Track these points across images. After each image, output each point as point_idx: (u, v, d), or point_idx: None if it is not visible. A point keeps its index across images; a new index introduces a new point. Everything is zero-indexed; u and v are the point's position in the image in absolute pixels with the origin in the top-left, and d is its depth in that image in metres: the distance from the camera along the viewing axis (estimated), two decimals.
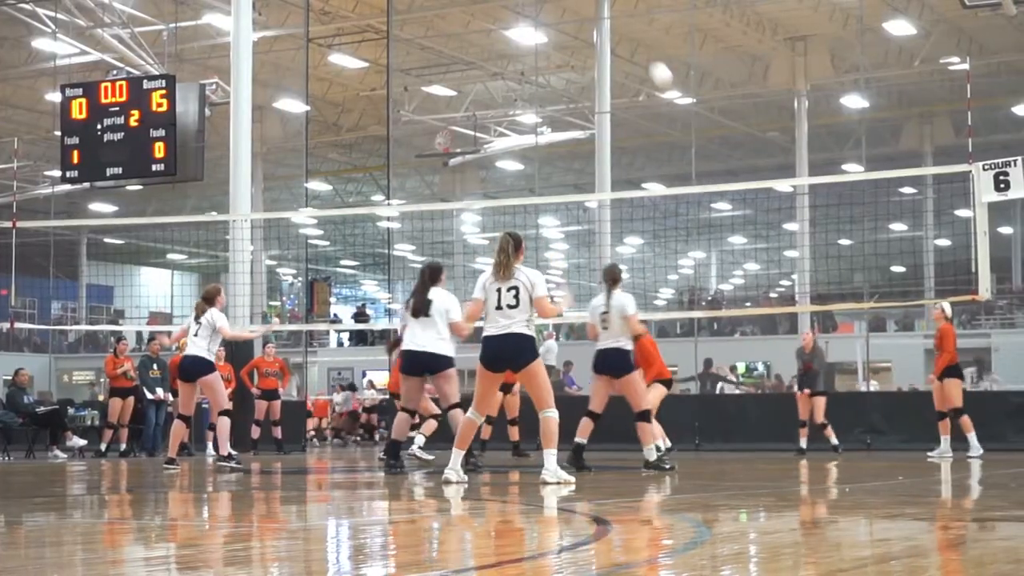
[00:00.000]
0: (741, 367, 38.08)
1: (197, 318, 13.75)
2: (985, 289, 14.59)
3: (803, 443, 17.21)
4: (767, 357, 40.19)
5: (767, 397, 27.85)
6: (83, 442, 19.90)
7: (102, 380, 26.46)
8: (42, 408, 20.58)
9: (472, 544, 6.50)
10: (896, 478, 11.78)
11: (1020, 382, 28.14)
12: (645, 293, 49.66)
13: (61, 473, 14.72)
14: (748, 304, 45.25)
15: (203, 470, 15.14)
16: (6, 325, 20.79)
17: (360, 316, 41.69)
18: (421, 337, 11.92)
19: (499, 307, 10.11)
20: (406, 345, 12.16)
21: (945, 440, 15.76)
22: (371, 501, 9.71)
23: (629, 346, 12.18)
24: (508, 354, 10.14)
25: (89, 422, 21.47)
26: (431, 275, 12.24)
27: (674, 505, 8.80)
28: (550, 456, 10.21)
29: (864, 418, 18.65)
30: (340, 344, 42.83)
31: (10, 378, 21.38)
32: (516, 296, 10.06)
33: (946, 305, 15.93)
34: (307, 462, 17.40)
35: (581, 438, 12.30)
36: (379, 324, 41.15)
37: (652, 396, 13.51)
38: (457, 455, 10.53)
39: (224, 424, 13.94)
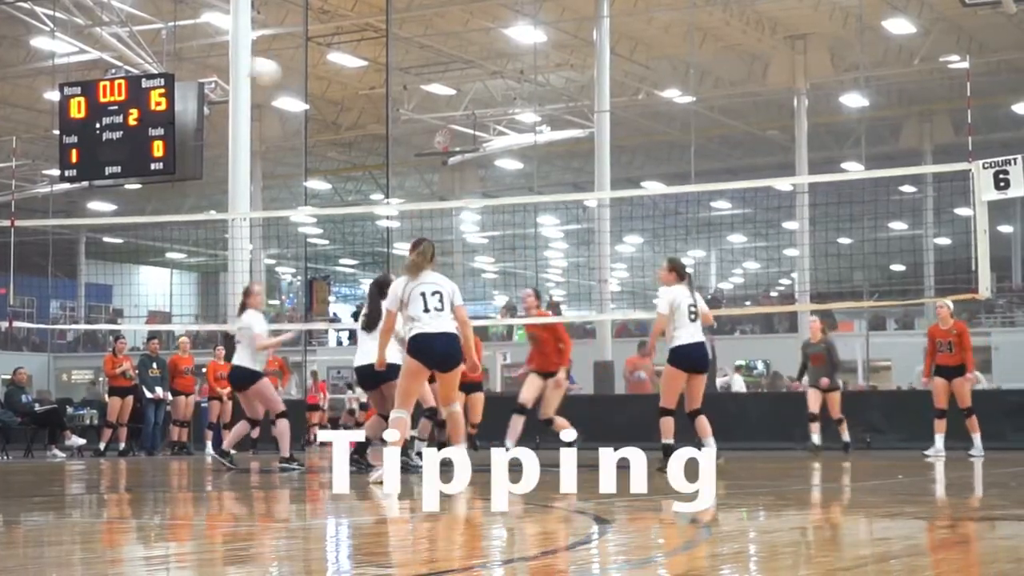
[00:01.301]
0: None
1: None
2: (985, 288, 14.56)
3: (816, 439, 16.58)
4: (766, 356, 40.21)
5: (766, 396, 27.83)
6: (82, 441, 19.89)
7: (101, 379, 26.45)
8: (40, 407, 20.55)
9: (471, 543, 6.49)
10: (896, 477, 11.77)
11: (1019, 380, 28.14)
12: (645, 292, 49.72)
13: (60, 472, 14.70)
14: (748, 303, 45.27)
15: (203, 469, 15.13)
16: (4, 324, 20.78)
17: (359, 315, 41.66)
18: (370, 349, 12.07)
19: (427, 309, 10.10)
20: (358, 360, 12.50)
21: (940, 438, 15.71)
22: (364, 501, 9.69)
23: None
24: (449, 352, 10.20)
25: (88, 421, 21.46)
26: (380, 290, 12.33)
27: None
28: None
29: (864, 417, 18.61)
30: (339, 343, 42.83)
31: (9, 377, 21.36)
32: (441, 300, 10.15)
33: (950, 302, 15.88)
34: (306, 461, 17.35)
35: (668, 439, 11.79)
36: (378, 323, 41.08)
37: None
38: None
39: (283, 426, 13.64)
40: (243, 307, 13.66)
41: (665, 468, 11.25)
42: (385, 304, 10.44)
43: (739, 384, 28.02)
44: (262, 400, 13.65)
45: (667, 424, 11.85)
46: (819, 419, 16.69)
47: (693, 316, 11.80)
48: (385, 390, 12.27)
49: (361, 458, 12.43)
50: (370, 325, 12.28)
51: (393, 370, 12.03)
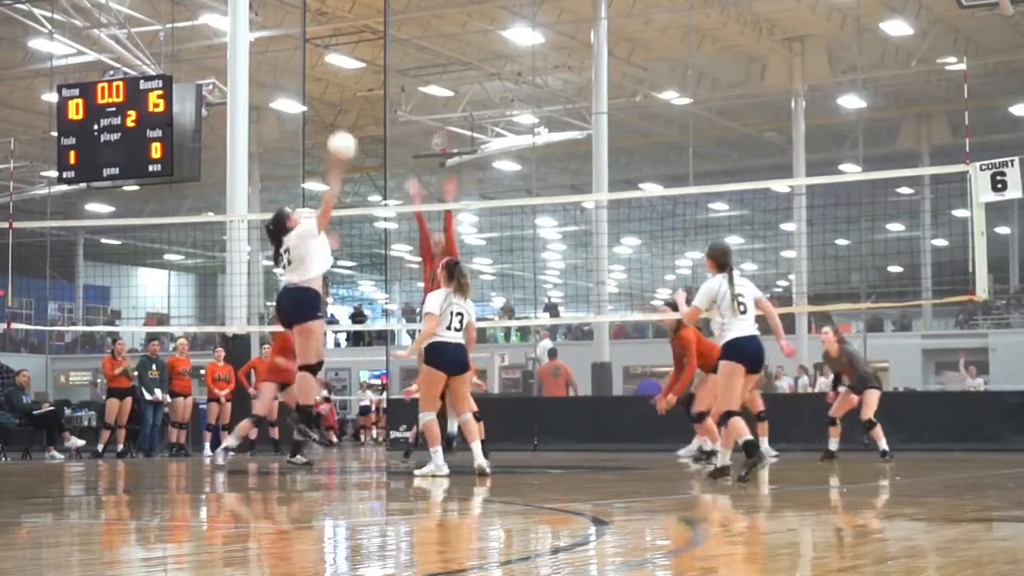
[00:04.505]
0: None
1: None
2: (982, 289, 14.58)
3: (833, 444, 15.77)
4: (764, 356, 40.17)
5: (763, 397, 27.81)
6: (81, 442, 19.90)
7: (100, 380, 26.46)
8: (38, 409, 20.53)
9: (471, 544, 6.50)
10: (893, 478, 11.78)
11: (1017, 382, 28.14)
12: (642, 293, 49.76)
13: (58, 474, 14.71)
14: None
15: (201, 470, 15.14)
16: (3, 326, 20.81)
17: (357, 316, 41.69)
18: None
19: (449, 327, 11.64)
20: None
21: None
22: (366, 502, 9.71)
23: None
24: (458, 358, 11.77)
25: (86, 423, 21.46)
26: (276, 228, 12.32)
27: (673, 505, 8.79)
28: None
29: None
30: (337, 344, 42.85)
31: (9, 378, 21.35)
32: (461, 322, 11.72)
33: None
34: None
35: (747, 434, 10.61)
36: (376, 324, 41.15)
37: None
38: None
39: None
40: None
41: (750, 471, 10.42)
42: (427, 309, 11.72)
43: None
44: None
45: (737, 423, 10.61)
46: (836, 422, 15.83)
47: (743, 309, 10.60)
48: (299, 332, 11.82)
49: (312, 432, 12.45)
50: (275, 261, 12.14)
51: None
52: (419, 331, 12.30)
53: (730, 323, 10.58)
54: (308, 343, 11.82)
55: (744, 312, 10.61)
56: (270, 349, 16.21)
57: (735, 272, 10.74)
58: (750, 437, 10.63)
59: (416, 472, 11.71)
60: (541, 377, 24.38)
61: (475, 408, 13.64)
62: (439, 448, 11.66)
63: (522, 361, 34.15)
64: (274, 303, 13.35)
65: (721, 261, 10.74)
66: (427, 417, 11.75)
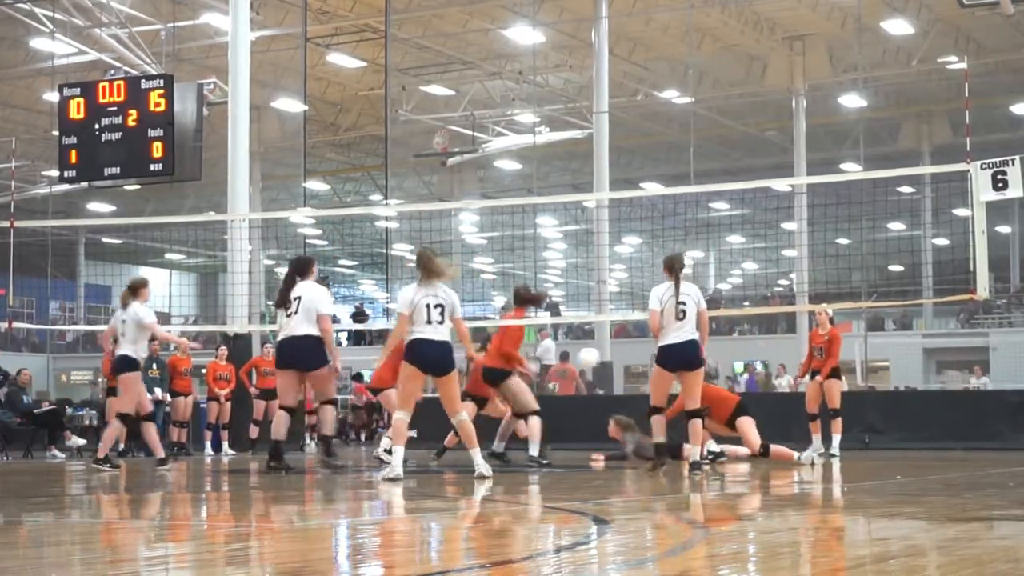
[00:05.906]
0: (739, 366, 38.10)
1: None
2: (983, 288, 14.57)
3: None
4: (765, 356, 40.26)
5: (764, 396, 27.83)
6: (83, 442, 19.88)
7: (100, 380, 26.45)
8: (39, 409, 20.53)
9: (471, 544, 6.50)
10: (894, 477, 11.78)
11: (1018, 381, 28.15)
12: (643, 293, 49.82)
13: (59, 473, 14.71)
14: (746, 303, 45.30)
15: (202, 470, 15.16)
16: (4, 325, 20.82)
17: (358, 316, 41.63)
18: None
19: (428, 321, 10.92)
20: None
21: (817, 439, 15.60)
22: (365, 502, 9.71)
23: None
24: (441, 357, 11.03)
25: (87, 422, 21.44)
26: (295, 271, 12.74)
27: (673, 505, 8.80)
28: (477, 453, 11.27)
29: (862, 417, 18.59)
30: (338, 344, 42.71)
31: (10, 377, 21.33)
32: (441, 313, 10.97)
33: (829, 308, 16.09)
34: (305, 462, 17.36)
35: (661, 436, 11.68)
36: (377, 324, 41.11)
37: None
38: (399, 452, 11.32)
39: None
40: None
41: (658, 468, 11.43)
42: (397, 308, 11.25)
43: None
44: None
45: (658, 422, 11.65)
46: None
47: (681, 315, 11.32)
48: (313, 378, 12.55)
49: (279, 463, 12.51)
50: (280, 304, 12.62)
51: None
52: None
53: (667, 327, 11.34)
54: (326, 385, 12.68)
55: (683, 318, 11.34)
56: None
57: (683, 280, 11.47)
58: (663, 440, 11.61)
59: (383, 476, 11.22)
60: (550, 379, 24.37)
61: (508, 409, 13.92)
62: (402, 448, 11.18)
63: None
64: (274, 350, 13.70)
65: (669, 267, 11.55)
66: (398, 416, 11.17)
